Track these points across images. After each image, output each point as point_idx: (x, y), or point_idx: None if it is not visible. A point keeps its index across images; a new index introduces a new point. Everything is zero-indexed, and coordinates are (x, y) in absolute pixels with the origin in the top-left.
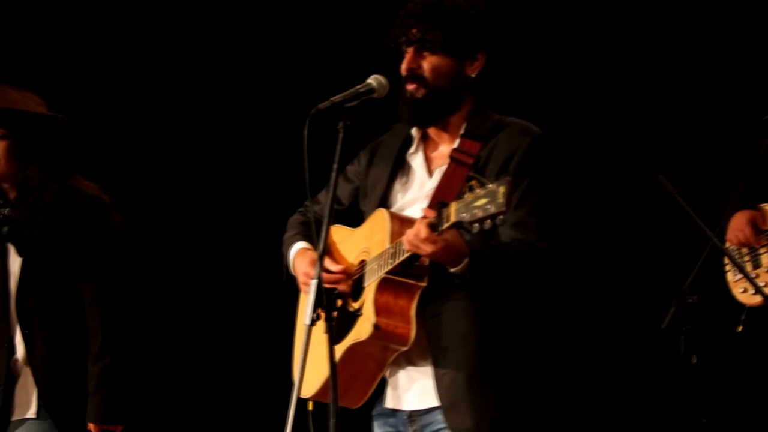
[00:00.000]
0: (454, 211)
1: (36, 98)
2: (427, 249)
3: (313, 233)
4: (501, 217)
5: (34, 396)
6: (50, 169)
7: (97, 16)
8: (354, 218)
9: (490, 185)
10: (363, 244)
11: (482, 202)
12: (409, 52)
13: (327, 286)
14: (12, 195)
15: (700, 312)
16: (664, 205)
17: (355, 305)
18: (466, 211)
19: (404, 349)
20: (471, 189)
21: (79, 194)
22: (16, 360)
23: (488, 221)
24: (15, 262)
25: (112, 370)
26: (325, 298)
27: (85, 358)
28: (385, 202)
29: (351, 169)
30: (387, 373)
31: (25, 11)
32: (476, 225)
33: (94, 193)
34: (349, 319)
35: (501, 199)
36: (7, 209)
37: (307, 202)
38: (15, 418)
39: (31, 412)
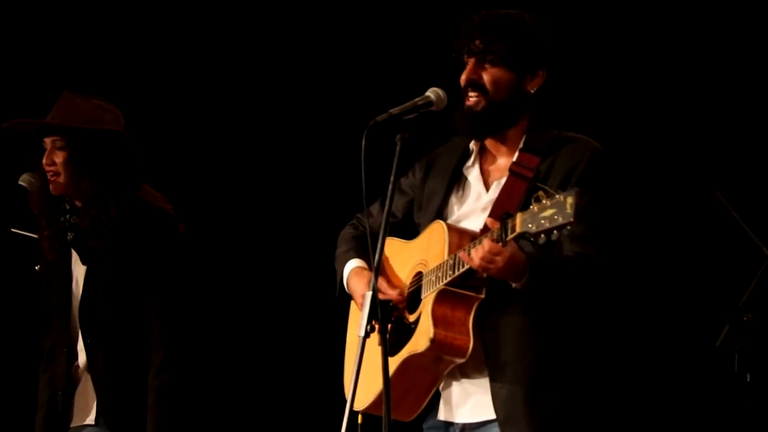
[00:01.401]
0: (520, 222)
1: (106, 105)
2: (493, 261)
3: (369, 247)
4: (568, 228)
5: (93, 403)
6: (110, 184)
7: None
8: (406, 231)
9: (558, 196)
10: (419, 256)
11: (550, 212)
12: (471, 62)
13: (381, 298)
14: (78, 204)
15: (755, 330)
16: (720, 222)
17: (412, 317)
18: (533, 222)
19: (461, 361)
20: (538, 199)
21: (145, 208)
22: (77, 366)
23: (555, 232)
24: (79, 269)
25: (172, 385)
26: (379, 310)
27: (145, 371)
28: (441, 214)
29: (405, 182)
30: (440, 386)
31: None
32: (542, 236)
33: (161, 206)
34: (405, 331)
35: (569, 210)
36: (74, 217)
37: (359, 215)
38: (74, 424)
39: (90, 419)
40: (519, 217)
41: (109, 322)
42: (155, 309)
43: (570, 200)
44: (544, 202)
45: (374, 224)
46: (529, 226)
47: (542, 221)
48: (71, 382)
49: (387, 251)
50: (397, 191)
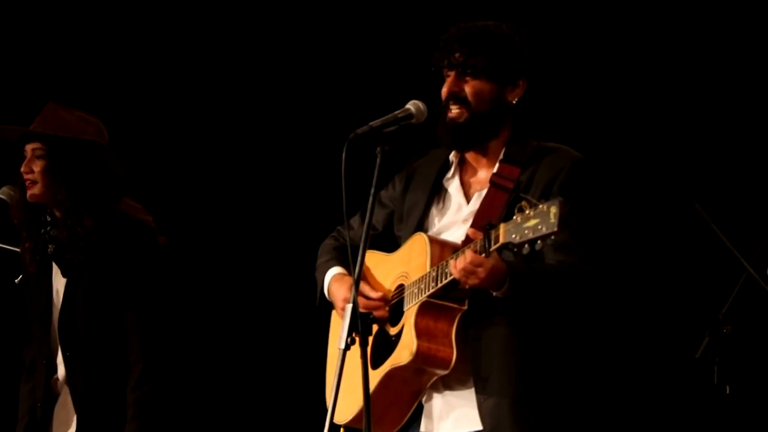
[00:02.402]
0: (504, 232)
1: (89, 118)
2: (475, 273)
3: (349, 258)
4: (552, 237)
5: (73, 416)
6: (87, 195)
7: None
8: (387, 243)
9: (542, 206)
10: (400, 268)
11: (533, 222)
12: (451, 75)
13: (363, 311)
14: (58, 215)
15: (735, 342)
16: (699, 234)
17: (394, 330)
18: (516, 232)
19: (444, 373)
20: (521, 210)
21: (125, 220)
22: (57, 379)
23: (539, 242)
24: (60, 282)
25: (151, 398)
26: (360, 323)
27: (124, 384)
28: (422, 226)
29: (385, 194)
30: (423, 398)
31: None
32: (526, 246)
33: (141, 218)
34: (388, 344)
35: (553, 219)
36: (54, 229)
37: (339, 227)
38: None
39: None
40: (502, 227)
41: (88, 334)
42: (135, 322)
43: (554, 210)
44: (527, 212)
45: (355, 236)
46: (513, 236)
47: (526, 231)
48: (51, 394)
49: (368, 263)
50: (377, 204)
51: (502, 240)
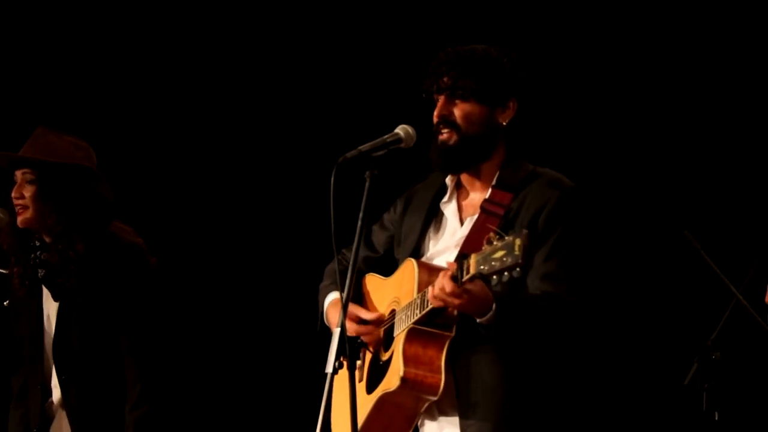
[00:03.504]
0: (474, 263)
1: (79, 143)
2: (450, 301)
3: (349, 282)
4: (518, 269)
5: None
6: (78, 220)
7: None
8: (390, 267)
9: (507, 237)
10: (393, 293)
11: (500, 254)
12: (441, 99)
13: (355, 335)
14: (48, 240)
15: (723, 368)
16: (688, 261)
17: (386, 355)
18: (485, 263)
19: (434, 398)
20: (489, 242)
21: (115, 243)
22: (51, 403)
23: (506, 273)
24: (51, 306)
25: (150, 417)
26: (347, 347)
27: (120, 405)
28: (417, 250)
29: (387, 217)
30: (418, 423)
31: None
32: (494, 277)
33: (132, 240)
34: (381, 368)
35: (517, 252)
36: (44, 254)
37: (344, 250)
38: None
39: None
40: (473, 258)
41: (83, 357)
42: (130, 343)
43: (518, 242)
44: (495, 243)
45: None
46: (482, 267)
47: (493, 263)
48: (45, 418)
49: (368, 287)
50: (379, 227)
51: (472, 271)
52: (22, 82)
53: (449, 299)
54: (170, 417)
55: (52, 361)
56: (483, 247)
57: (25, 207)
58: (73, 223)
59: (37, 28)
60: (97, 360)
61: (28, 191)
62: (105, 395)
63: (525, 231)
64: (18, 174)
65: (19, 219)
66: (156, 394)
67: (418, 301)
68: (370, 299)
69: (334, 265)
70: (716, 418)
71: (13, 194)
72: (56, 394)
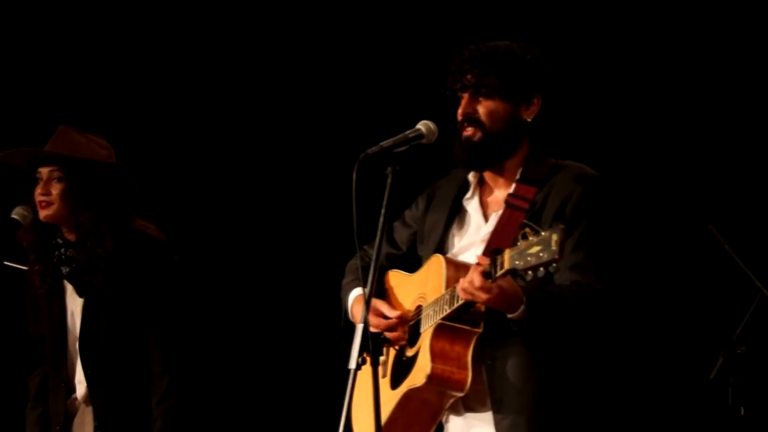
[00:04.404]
0: (508, 259)
1: (101, 141)
2: (481, 297)
3: (371, 278)
4: (554, 265)
5: None
6: (107, 216)
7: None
8: (412, 263)
9: (544, 233)
10: (419, 289)
11: (535, 249)
12: (465, 97)
13: (377, 331)
14: (71, 237)
15: (749, 363)
16: (713, 255)
17: (411, 351)
18: (520, 259)
19: (460, 395)
20: (524, 236)
21: (140, 239)
22: (74, 399)
23: (541, 269)
24: (75, 302)
25: (178, 410)
26: (370, 343)
27: (146, 399)
28: (441, 247)
29: (409, 214)
30: (444, 419)
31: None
32: (530, 272)
33: (155, 236)
34: (406, 365)
35: (554, 247)
36: (69, 250)
37: (365, 247)
38: None
39: None
40: (507, 253)
41: (110, 352)
42: (157, 337)
43: (555, 237)
44: (530, 239)
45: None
46: (517, 262)
47: (529, 258)
48: (68, 414)
49: (391, 283)
50: (401, 224)
51: (506, 266)
52: (35, 82)
53: (479, 293)
54: (196, 410)
55: (76, 357)
56: (518, 243)
57: (49, 203)
58: (103, 220)
59: (44, 29)
60: (123, 355)
61: (56, 189)
62: (131, 390)
63: (561, 226)
64: (44, 171)
65: (42, 214)
66: (183, 387)
67: (447, 296)
68: (394, 295)
69: (355, 262)
70: (742, 413)
71: (39, 191)
72: (80, 390)
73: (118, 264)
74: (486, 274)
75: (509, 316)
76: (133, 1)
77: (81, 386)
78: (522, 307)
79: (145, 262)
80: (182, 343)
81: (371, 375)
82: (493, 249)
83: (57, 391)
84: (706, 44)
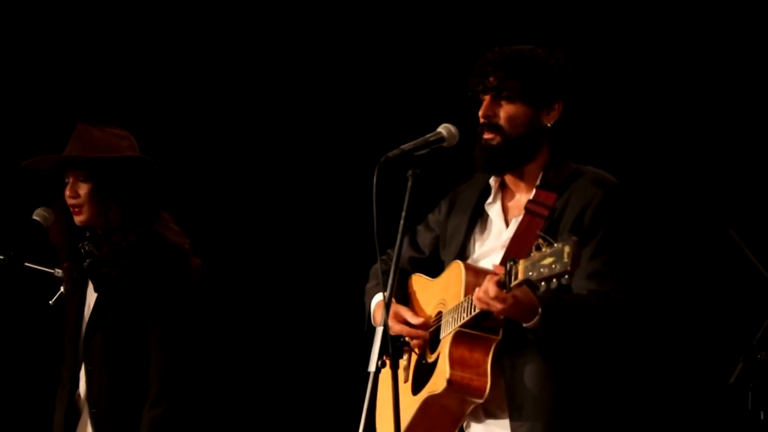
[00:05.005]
0: (522, 269)
1: (121, 133)
2: (496, 306)
3: (392, 281)
4: (567, 276)
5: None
6: (134, 210)
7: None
8: (436, 267)
9: (557, 245)
10: (440, 295)
11: (549, 261)
12: (486, 99)
13: (400, 334)
14: (99, 232)
15: None
16: (733, 260)
17: (432, 357)
18: (534, 270)
19: (480, 401)
20: (538, 248)
21: (158, 241)
22: (79, 395)
23: (554, 280)
24: (92, 297)
25: (165, 419)
26: (390, 346)
27: (142, 402)
28: (463, 252)
29: (432, 218)
30: (464, 424)
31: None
32: (543, 284)
33: (175, 240)
34: (427, 370)
35: (566, 259)
36: (89, 244)
37: (389, 250)
38: None
39: None
40: (521, 264)
41: (111, 349)
42: (155, 342)
43: (567, 249)
44: (543, 250)
45: (402, 259)
46: (530, 273)
47: (542, 269)
48: (75, 411)
49: (414, 287)
50: (424, 227)
51: (521, 277)
52: (48, 81)
53: (494, 303)
54: (190, 419)
55: (82, 350)
56: (532, 254)
57: (80, 206)
58: (129, 214)
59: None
60: (124, 354)
61: (83, 189)
62: (128, 391)
63: (574, 238)
64: (69, 174)
65: (77, 219)
66: (175, 395)
67: (465, 304)
68: (416, 300)
69: (378, 265)
70: (762, 418)
71: (67, 194)
72: (82, 387)
73: (134, 262)
74: (501, 284)
75: (525, 325)
76: (147, 2)
77: (83, 382)
78: (537, 317)
79: (157, 267)
80: (181, 351)
81: (391, 378)
82: (509, 258)
83: (66, 384)
84: (726, 49)
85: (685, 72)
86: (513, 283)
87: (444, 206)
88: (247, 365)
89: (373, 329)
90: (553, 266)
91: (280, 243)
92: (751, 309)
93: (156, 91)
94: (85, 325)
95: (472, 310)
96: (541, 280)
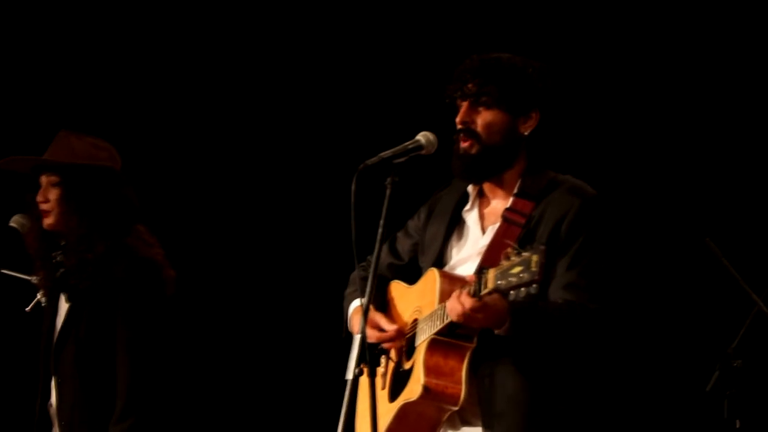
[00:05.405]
0: (492, 278)
1: (101, 143)
2: (468, 315)
3: (369, 288)
4: (535, 285)
5: None
6: (101, 222)
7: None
8: (418, 274)
9: (525, 254)
10: (416, 302)
11: (517, 270)
12: (464, 106)
13: (376, 342)
14: (66, 242)
15: (745, 376)
16: (710, 268)
17: (408, 364)
18: (503, 279)
19: (455, 408)
20: (507, 257)
21: (129, 254)
22: (51, 405)
23: (522, 289)
24: (64, 308)
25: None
26: (367, 354)
27: (110, 416)
28: (440, 259)
29: (411, 225)
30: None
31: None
32: (512, 292)
33: (146, 254)
34: (403, 377)
35: (534, 268)
36: (61, 255)
37: (369, 257)
38: None
39: None
40: (491, 273)
41: (81, 362)
42: (124, 356)
43: (535, 258)
44: (512, 259)
45: (381, 266)
46: (500, 282)
47: (511, 278)
48: (47, 421)
49: (393, 294)
50: (404, 234)
51: (490, 285)
52: (40, 87)
53: (472, 315)
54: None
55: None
56: (501, 262)
57: (49, 210)
58: (95, 224)
59: (46, 33)
60: (93, 367)
61: (52, 194)
62: (96, 405)
63: (542, 247)
64: (42, 178)
65: (45, 222)
66: (143, 408)
67: (440, 312)
68: (395, 307)
69: (358, 272)
70: (738, 426)
71: (38, 198)
72: (54, 396)
73: (104, 275)
74: (472, 293)
75: (496, 332)
76: (134, 6)
77: (54, 394)
78: (507, 323)
79: (127, 280)
80: (151, 364)
81: (368, 386)
82: (481, 268)
83: (38, 395)
84: (699, 60)
85: (661, 81)
86: (483, 292)
87: (423, 213)
88: (226, 374)
89: (350, 335)
90: (522, 275)
91: (260, 250)
92: (728, 317)
93: (137, 101)
94: (56, 337)
95: (446, 317)
96: (510, 289)
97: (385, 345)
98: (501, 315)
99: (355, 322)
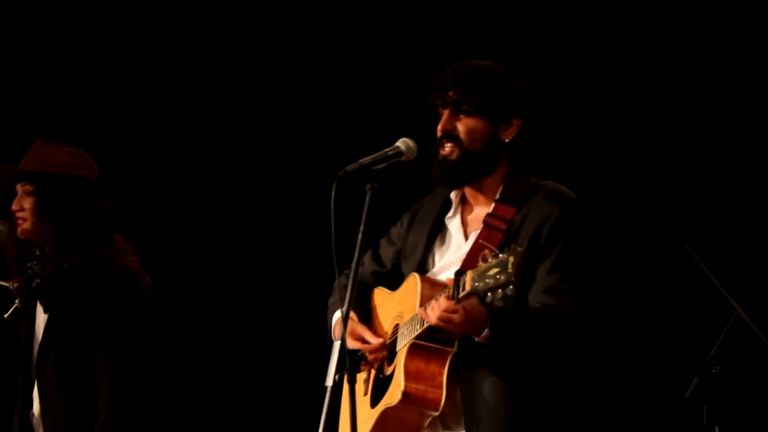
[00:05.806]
0: (469, 280)
1: (77, 152)
2: (447, 317)
3: (349, 295)
4: (511, 287)
5: None
6: (75, 231)
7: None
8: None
9: (502, 255)
10: (398, 308)
11: (494, 271)
12: (445, 114)
13: (356, 348)
14: (42, 251)
15: (724, 382)
16: (689, 274)
17: (389, 370)
18: (480, 280)
19: (435, 413)
20: (485, 259)
21: (105, 263)
22: (33, 414)
23: (499, 291)
24: (42, 318)
25: None
26: (347, 360)
27: (92, 426)
28: (423, 265)
29: (394, 231)
30: None
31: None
32: (489, 294)
33: (122, 262)
34: (384, 383)
35: (510, 269)
36: (37, 265)
37: (353, 264)
38: None
39: None
40: (469, 275)
41: (64, 372)
42: (104, 366)
43: (512, 260)
44: (489, 260)
45: (365, 273)
46: (476, 284)
47: (487, 280)
48: (29, 429)
49: (376, 301)
50: (386, 241)
51: (467, 288)
52: (22, 93)
53: (449, 317)
54: None
55: (35, 371)
56: (478, 264)
57: (24, 219)
58: (70, 234)
59: (37, 37)
60: (76, 377)
61: (27, 203)
62: (80, 415)
63: (519, 249)
64: (18, 187)
65: (19, 231)
66: (124, 418)
67: (420, 316)
68: (377, 314)
69: (342, 280)
70: None
71: (13, 207)
72: (36, 408)
73: (81, 285)
74: (450, 296)
75: (476, 339)
76: (111, 12)
77: (36, 404)
78: (487, 329)
79: (103, 290)
80: (131, 373)
81: (348, 393)
82: (458, 271)
83: (19, 403)
84: (679, 65)
85: (641, 86)
86: (461, 294)
87: (405, 219)
88: (206, 382)
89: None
90: (498, 276)
91: (241, 256)
92: (707, 323)
93: (114, 107)
94: (37, 347)
95: (425, 321)
96: (487, 291)
97: (369, 357)
98: (479, 320)
99: (337, 331)
